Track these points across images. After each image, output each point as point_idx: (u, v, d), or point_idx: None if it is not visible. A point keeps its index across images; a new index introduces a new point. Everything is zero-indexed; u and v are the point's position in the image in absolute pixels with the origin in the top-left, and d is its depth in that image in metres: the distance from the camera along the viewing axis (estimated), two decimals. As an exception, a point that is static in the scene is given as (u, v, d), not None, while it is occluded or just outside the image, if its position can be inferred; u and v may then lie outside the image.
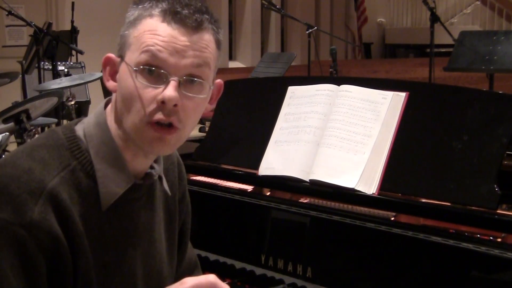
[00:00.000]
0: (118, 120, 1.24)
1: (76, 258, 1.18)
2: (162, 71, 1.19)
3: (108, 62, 1.26)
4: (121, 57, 1.23)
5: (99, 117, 1.27)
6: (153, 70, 1.18)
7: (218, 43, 1.26)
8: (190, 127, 1.25)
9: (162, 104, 1.18)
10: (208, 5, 1.24)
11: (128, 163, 1.26)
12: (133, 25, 1.22)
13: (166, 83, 1.19)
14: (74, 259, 1.18)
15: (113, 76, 1.26)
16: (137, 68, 1.19)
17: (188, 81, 1.21)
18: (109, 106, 1.28)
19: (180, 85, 1.19)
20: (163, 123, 1.20)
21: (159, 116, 1.19)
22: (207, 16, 1.22)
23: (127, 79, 1.20)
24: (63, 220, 1.16)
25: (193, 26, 1.20)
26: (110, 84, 1.26)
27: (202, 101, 1.25)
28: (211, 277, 1.19)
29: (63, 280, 1.17)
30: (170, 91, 1.18)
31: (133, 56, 1.20)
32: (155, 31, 1.19)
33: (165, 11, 1.20)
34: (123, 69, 1.22)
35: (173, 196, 1.43)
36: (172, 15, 1.19)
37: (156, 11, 1.20)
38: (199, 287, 1.18)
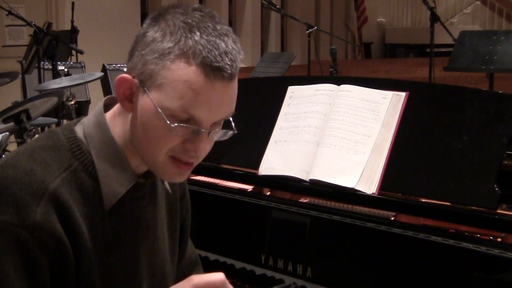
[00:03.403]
0: (132, 140, 1.23)
1: (79, 259, 1.18)
2: (196, 124, 1.17)
3: (123, 83, 1.20)
4: (142, 83, 1.17)
5: (98, 117, 1.26)
6: (188, 125, 1.17)
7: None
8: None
9: (191, 151, 1.20)
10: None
11: (129, 162, 1.26)
12: (163, 60, 1.14)
13: (197, 132, 1.18)
14: (77, 260, 1.18)
15: (128, 96, 1.21)
16: (171, 122, 1.15)
17: (215, 127, 1.21)
18: (114, 111, 1.27)
19: (208, 134, 1.20)
20: (186, 162, 1.22)
21: (183, 157, 1.21)
22: (238, 60, 1.20)
23: (154, 118, 1.16)
24: (65, 221, 1.16)
25: (229, 78, 1.17)
26: (126, 105, 1.21)
27: None
28: (221, 275, 1.18)
29: (66, 281, 1.17)
30: (204, 144, 1.20)
31: (165, 101, 1.15)
32: (195, 88, 1.14)
33: (205, 64, 1.13)
34: (147, 104, 1.17)
35: (174, 194, 1.44)
36: (213, 71, 1.14)
37: (195, 59, 1.13)
38: (207, 284, 1.17)
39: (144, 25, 1.20)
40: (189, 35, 1.14)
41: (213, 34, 1.15)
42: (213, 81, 1.14)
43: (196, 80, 1.14)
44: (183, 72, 1.14)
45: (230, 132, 1.25)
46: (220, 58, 1.14)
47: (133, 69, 1.19)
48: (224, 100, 1.18)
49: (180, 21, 1.16)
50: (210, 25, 1.16)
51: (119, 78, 1.20)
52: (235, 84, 1.20)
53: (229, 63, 1.15)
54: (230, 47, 1.17)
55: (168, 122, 1.15)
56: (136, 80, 1.18)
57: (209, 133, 1.19)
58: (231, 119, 1.24)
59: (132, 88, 1.19)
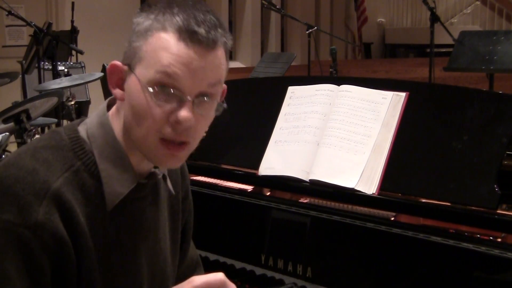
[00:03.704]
0: (126, 129, 1.24)
1: (81, 258, 1.18)
2: (177, 91, 1.17)
3: (114, 70, 1.23)
4: (130, 66, 1.20)
5: (101, 117, 1.27)
6: (168, 90, 1.17)
7: (228, 54, 1.25)
8: (198, 140, 1.26)
9: (176, 123, 1.18)
10: (216, 13, 1.23)
11: (132, 163, 1.26)
12: (144, 37, 1.18)
13: (181, 103, 1.18)
14: (78, 260, 1.18)
15: (120, 84, 1.23)
16: (151, 89, 1.17)
17: (201, 100, 1.20)
18: (113, 109, 1.28)
19: (193, 105, 1.19)
20: (175, 141, 1.20)
21: (171, 134, 1.19)
22: (220, 31, 1.20)
23: (138, 94, 1.18)
24: (67, 221, 1.16)
25: (208, 45, 1.17)
26: (117, 92, 1.24)
27: (212, 116, 1.26)
28: (220, 275, 1.19)
29: (68, 280, 1.17)
30: (186, 112, 1.17)
31: (145, 72, 1.18)
32: (171, 50, 1.16)
33: (181, 29, 1.16)
34: (133, 82, 1.20)
35: (176, 195, 1.44)
36: (189, 34, 1.16)
37: (171, 27, 1.17)
38: (207, 285, 1.17)
39: (133, 18, 1.24)
40: (168, 10, 1.18)
41: (192, 8, 1.19)
42: (189, 45, 1.16)
43: (172, 43, 1.16)
44: (161, 40, 1.17)
45: (219, 105, 1.24)
46: (197, 26, 1.17)
47: (124, 58, 1.22)
48: (206, 67, 1.18)
49: (161, 3, 1.20)
50: (190, 3, 1.20)
51: (110, 66, 1.23)
52: (218, 54, 1.20)
53: (205, 29, 1.17)
54: (208, 18, 1.19)
55: (150, 89, 1.16)
56: (125, 67, 1.21)
57: (193, 103, 1.18)
58: (224, 103, 1.24)
59: (123, 74, 1.22)
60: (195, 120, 1.20)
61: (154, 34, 1.17)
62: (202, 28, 1.17)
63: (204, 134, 1.29)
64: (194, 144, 1.25)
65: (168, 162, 1.24)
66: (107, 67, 1.23)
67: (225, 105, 1.26)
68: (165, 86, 1.17)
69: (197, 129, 1.22)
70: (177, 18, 1.17)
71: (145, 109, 1.18)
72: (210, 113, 1.24)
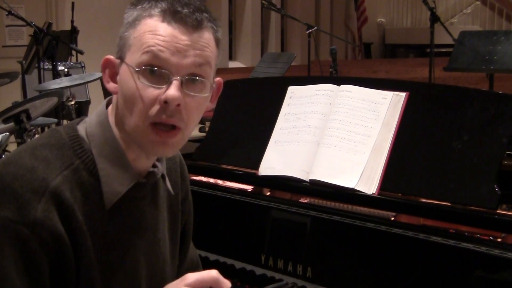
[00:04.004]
0: (120, 122, 1.24)
1: (79, 257, 1.18)
2: (164, 71, 1.18)
3: (107, 64, 1.26)
4: (121, 58, 1.23)
5: (101, 116, 1.27)
6: (155, 71, 1.18)
7: (217, 42, 1.26)
8: (192, 126, 1.25)
9: (165, 104, 1.18)
10: (207, 4, 1.24)
11: (131, 162, 1.26)
12: (132, 26, 1.22)
13: (168, 83, 1.18)
14: (77, 258, 1.18)
15: (113, 78, 1.25)
16: (138, 69, 1.18)
17: (190, 80, 1.20)
18: (110, 107, 1.28)
19: (182, 85, 1.19)
20: (166, 124, 1.20)
21: (161, 117, 1.19)
22: (206, 15, 1.22)
23: (128, 80, 1.20)
24: (66, 219, 1.16)
25: (193, 25, 1.20)
26: (111, 85, 1.26)
27: (204, 100, 1.25)
28: (213, 272, 1.19)
29: (66, 278, 1.17)
30: (173, 91, 1.18)
31: (134, 57, 1.20)
32: (156, 31, 1.19)
33: (165, 10, 1.19)
34: (123, 71, 1.22)
35: (176, 196, 1.44)
36: (172, 15, 1.19)
37: (156, 11, 1.20)
38: (201, 282, 1.17)
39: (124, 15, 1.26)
40: (155, 3, 1.21)
41: (181, 1, 1.21)
42: (174, 25, 1.19)
43: (157, 25, 1.19)
44: (147, 25, 1.20)
45: (208, 84, 1.24)
46: (181, 8, 1.20)
47: (116, 53, 1.25)
48: (191, 46, 1.19)
49: None
50: None
51: (103, 60, 1.26)
52: (204, 35, 1.22)
53: (190, 10, 1.20)
54: (193, 2, 1.22)
55: (138, 69, 1.18)
56: (118, 60, 1.24)
57: (182, 83, 1.19)
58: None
59: (115, 68, 1.24)
60: (185, 102, 1.20)
61: (141, 21, 1.21)
62: (186, 9, 1.20)
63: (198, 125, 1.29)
64: (186, 131, 1.24)
65: (160, 149, 1.24)
66: (101, 64, 1.25)
67: (214, 85, 1.27)
68: (153, 67, 1.18)
69: (188, 111, 1.21)
70: (163, 4, 1.21)
71: (135, 93, 1.19)
72: (201, 95, 1.23)
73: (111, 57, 1.25)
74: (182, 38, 1.19)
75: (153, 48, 1.18)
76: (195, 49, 1.20)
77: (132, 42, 1.21)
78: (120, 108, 1.23)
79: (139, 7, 1.22)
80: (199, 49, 1.21)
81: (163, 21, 1.19)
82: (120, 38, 1.24)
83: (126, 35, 1.22)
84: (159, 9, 1.20)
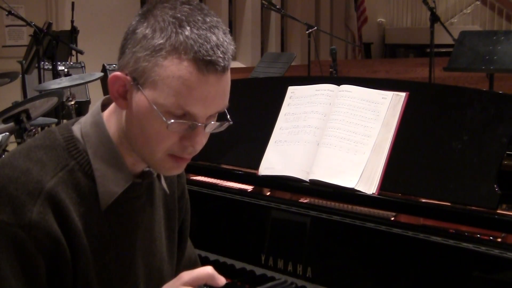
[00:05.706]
0: (126, 136, 1.23)
1: (76, 258, 1.18)
2: (191, 119, 1.17)
3: (116, 81, 1.20)
4: (136, 80, 1.17)
5: (95, 116, 1.26)
6: (182, 119, 1.17)
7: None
8: None
9: (190, 147, 1.20)
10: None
11: (128, 165, 1.26)
12: (155, 58, 1.14)
13: (193, 128, 1.18)
14: (73, 259, 1.18)
15: (122, 93, 1.20)
16: (166, 119, 1.15)
17: (211, 121, 1.21)
18: (110, 109, 1.27)
19: (204, 127, 1.20)
20: (184, 158, 1.22)
21: (183, 154, 1.21)
22: (230, 52, 1.18)
23: (150, 117, 1.16)
24: (62, 220, 1.16)
25: (223, 72, 1.17)
26: (120, 102, 1.21)
27: None
28: (208, 269, 1.18)
29: (63, 280, 1.17)
30: (201, 139, 1.19)
31: (159, 98, 1.15)
32: (189, 83, 1.14)
33: (198, 58, 1.13)
34: (142, 102, 1.17)
35: (172, 194, 1.44)
36: (206, 65, 1.14)
37: (187, 54, 1.13)
38: (196, 280, 1.17)
39: (133, 22, 1.20)
40: (179, 30, 1.14)
41: (203, 27, 1.15)
42: (206, 76, 1.14)
43: (189, 75, 1.13)
44: (176, 68, 1.14)
45: (226, 123, 1.25)
46: (212, 52, 1.14)
47: (125, 66, 1.19)
48: (218, 93, 1.18)
49: (169, 16, 1.16)
50: (199, 18, 1.16)
51: (112, 76, 1.20)
52: (228, 76, 1.20)
53: (221, 55, 1.15)
54: (221, 39, 1.16)
55: (164, 119, 1.15)
56: (129, 78, 1.18)
57: (205, 126, 1.19)
58: (225, 110, 1.24)
59: (126, 86, 1.19)
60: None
61: (167, 58, 1.14)
62: (218, 55, 1.15)
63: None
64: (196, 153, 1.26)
65: (172, 172, 1.26)
66: (108, 78, 1.20)
67: (231, 122, 1.26)
68: (181, 118, 1.17)
69: (202, 143, 1.23)
70: (191, 43, 1.13)
71: (157, 132, 1.17)
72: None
73: (120, 74, 1.19)
74: (213, 88, 1.16)
75: (185, 105, 1.15)
76: (223, 94, 1.19)
77: (157, 81, 1.15)
78: (132, 129, 1.21)
79: (162, 35, 1.14)
80: (225, 93, 1.20)
81: (196, 70, 1.14)
82: (131, 55, 1.17)
83: (147, 66, 1.15)
84: (191, 54, 1.13)
